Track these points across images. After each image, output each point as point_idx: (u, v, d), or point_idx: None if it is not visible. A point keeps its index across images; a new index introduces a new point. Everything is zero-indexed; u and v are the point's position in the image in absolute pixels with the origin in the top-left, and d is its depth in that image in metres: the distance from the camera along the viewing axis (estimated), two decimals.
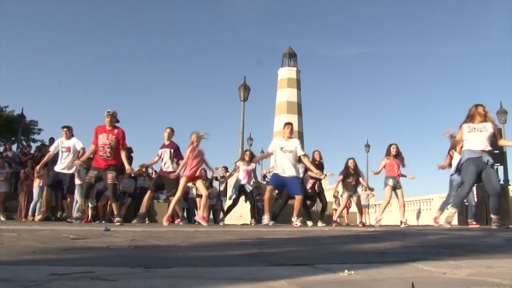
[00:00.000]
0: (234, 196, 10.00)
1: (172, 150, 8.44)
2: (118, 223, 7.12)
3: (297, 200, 7.94)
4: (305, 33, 70.39)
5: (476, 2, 68.37)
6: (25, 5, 62.84)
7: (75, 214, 8.30)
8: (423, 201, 16.81)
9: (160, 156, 8.52)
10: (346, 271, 1.48)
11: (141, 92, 78.00)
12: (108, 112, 7.51)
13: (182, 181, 7.98)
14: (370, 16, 74.23)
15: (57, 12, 70.78)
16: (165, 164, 8.43)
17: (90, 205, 10.56)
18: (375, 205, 20.21)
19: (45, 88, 69.40)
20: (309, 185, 9.72)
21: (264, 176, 14.42)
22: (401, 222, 8.76)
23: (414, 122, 74.52)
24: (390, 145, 9.07)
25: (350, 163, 9.59)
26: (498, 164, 11.85)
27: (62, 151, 8.61)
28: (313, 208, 11.31)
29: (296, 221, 7.77)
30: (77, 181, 9.95)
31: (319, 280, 1.36)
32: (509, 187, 12.77)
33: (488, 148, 6.31)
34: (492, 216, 6.51)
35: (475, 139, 6.33)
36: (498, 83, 66.63)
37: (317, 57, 68.52)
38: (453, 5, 71.60)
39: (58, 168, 8.62)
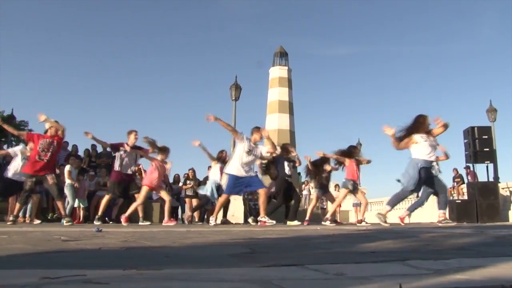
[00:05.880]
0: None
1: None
2: (68, 223, 7.19)
3: (262, 195, 7.61)
4: (297, 32, 70.45)
5: (468, 1, 68.85)
6: (12, 6, 62.29)
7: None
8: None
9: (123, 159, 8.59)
10: (336, 271, 1.49)
11: (131, 92, 77.57)
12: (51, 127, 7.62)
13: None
14: (362, 16, 74.46)
15: (45, 12, 70.19)
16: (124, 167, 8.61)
17: (82, 205, 10.54)
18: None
19: (35, 89, 68.94)
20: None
21: None
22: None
23: (406, 120, 74.75)
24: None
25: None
26: (488, 162, 11.97)
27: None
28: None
29: (263, 218, 7.47)
30: (68, 181, 9.90)
31: (312, 278, 1.37)
32: (499, 184, 12.89)
33: None
34: None
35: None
36: (488, 81, 67.14)
37: (309, 56, 68.55)
38: (444, 4, 72.06)
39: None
